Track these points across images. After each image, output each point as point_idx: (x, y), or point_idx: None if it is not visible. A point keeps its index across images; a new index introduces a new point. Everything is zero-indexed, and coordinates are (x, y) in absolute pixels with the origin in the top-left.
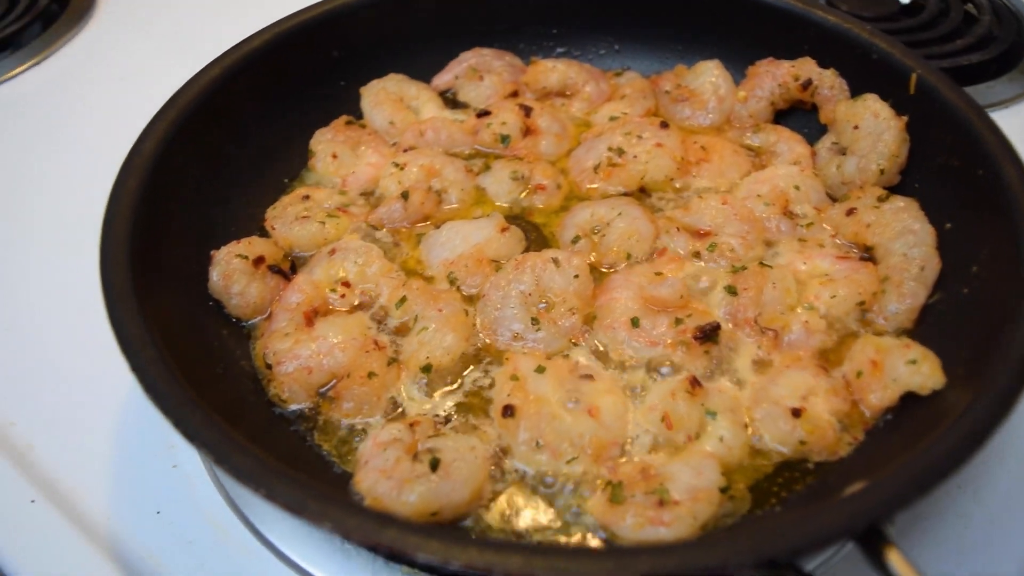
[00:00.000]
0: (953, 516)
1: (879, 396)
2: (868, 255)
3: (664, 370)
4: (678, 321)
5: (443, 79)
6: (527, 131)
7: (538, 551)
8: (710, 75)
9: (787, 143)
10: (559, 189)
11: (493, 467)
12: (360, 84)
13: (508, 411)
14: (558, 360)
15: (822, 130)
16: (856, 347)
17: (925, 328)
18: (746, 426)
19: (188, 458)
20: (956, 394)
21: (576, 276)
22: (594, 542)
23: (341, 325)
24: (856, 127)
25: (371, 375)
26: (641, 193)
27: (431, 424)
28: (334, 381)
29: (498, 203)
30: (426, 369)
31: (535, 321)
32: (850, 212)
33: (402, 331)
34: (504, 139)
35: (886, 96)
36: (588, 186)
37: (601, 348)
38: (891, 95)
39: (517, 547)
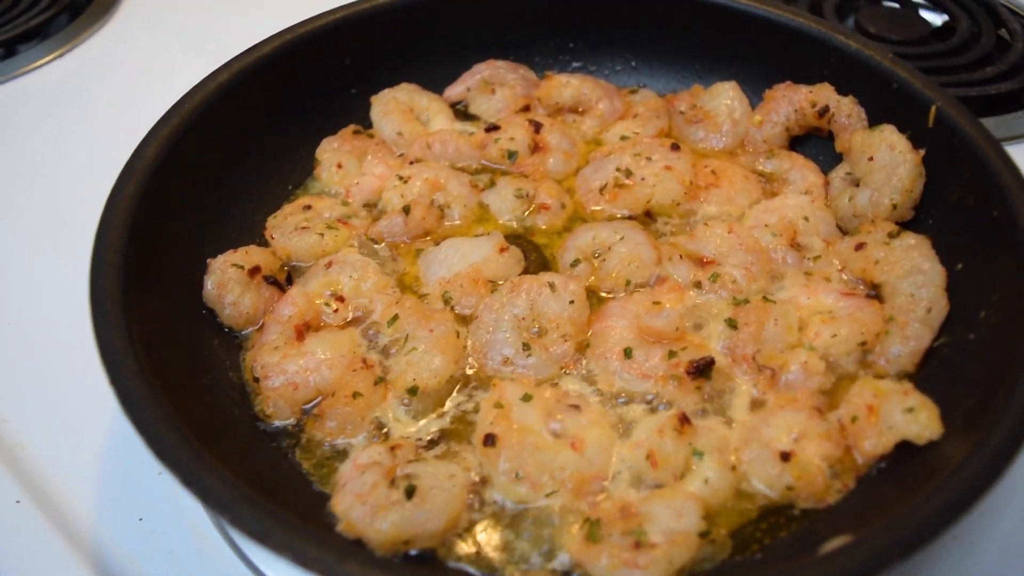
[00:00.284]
0: (946, 570)
1: (873, 443)
2: (875, 293)
3: (654, 404)
4: (672, 354)
5: (455, 90)
6: (536, 147)
7: None
8: (726, 97)
9: (800, 171)
10: (563, 209)
11: (471, 496)
12: (371, 92)
13: (489, 440)
14: (546, 388)
15: (838, 159)
16: (854, 390)
17: (928, 373)
18: (733, 468)
19: None
20: (953, 446)
21: (572, 302)
22: None
23: (331, 341)
24: (871, 158)
25: (356, 395)
26: (647, 217)
27: (413, 448)
28: (319, 398)
29: (501, 221)
30: (412, 391)
31: (526, 346)
32: (859, 247)
33: (392, 349)
34: (511, 155)
35: (905, 127)
36: (592, 208)
37: (592, 377)
38: (910, 126)
39: None
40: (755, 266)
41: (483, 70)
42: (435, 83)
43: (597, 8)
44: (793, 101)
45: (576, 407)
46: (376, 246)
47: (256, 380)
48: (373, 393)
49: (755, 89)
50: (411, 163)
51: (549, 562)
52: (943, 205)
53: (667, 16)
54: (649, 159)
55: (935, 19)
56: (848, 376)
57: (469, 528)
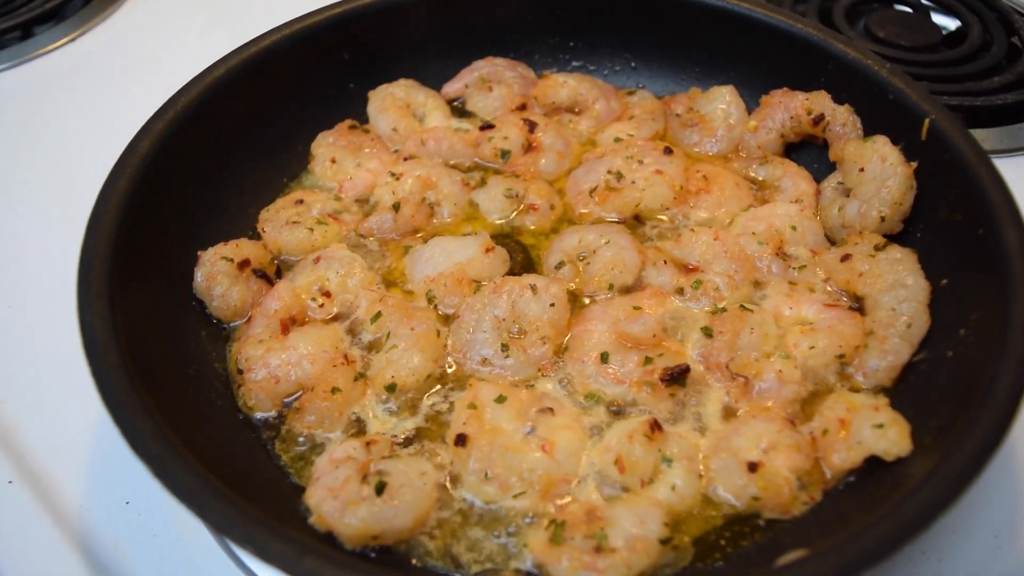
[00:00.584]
0: None
1: (842, 457)
2: (858, 305)
3: (627, 410)
4: (647, 360)
5: (453, 87)
6: (529, 147)
7: None
8: (722, 102)
9: (792, 179)
10: (552, 210)
11: (441, 493)
12: (370, 87)
13: (461, 440)
14: (522, 390)
15: (832, 167)
16: (827, 403)
17: (904, 388)
18: (701, 476)
19: None
20: (920, 464)
21: (552, 305)
22: None
23: (314, 336)
24: (862, 169)
25: (335, 390)
26: (635, 221)
27: (388, 444)
28: (300, 392)
29: (490, 220)
30: (391, 388)
31: (505, 347)
32: (845, 258)
33: (375, 346)
34: (504, 154)
35: (899, 138)
36: (581, 210)
37: (568, 380)
38: (904, 138)
39: None
40: (738, 274)
41: (482, 67)
42: (434, 79)
43: (598, 8)
44: (789, 108)
45: (550, 410)
46: (366, 242)
47: (240, 372)
48: (352, 389)
49: (753, 93)
50: (405, 159)
51: (514, 562)
52: (932, 219)
53: (667, 18)
54: (641, 162)
55: (948, 23)
56: (825, 388)
57: (438, 525)
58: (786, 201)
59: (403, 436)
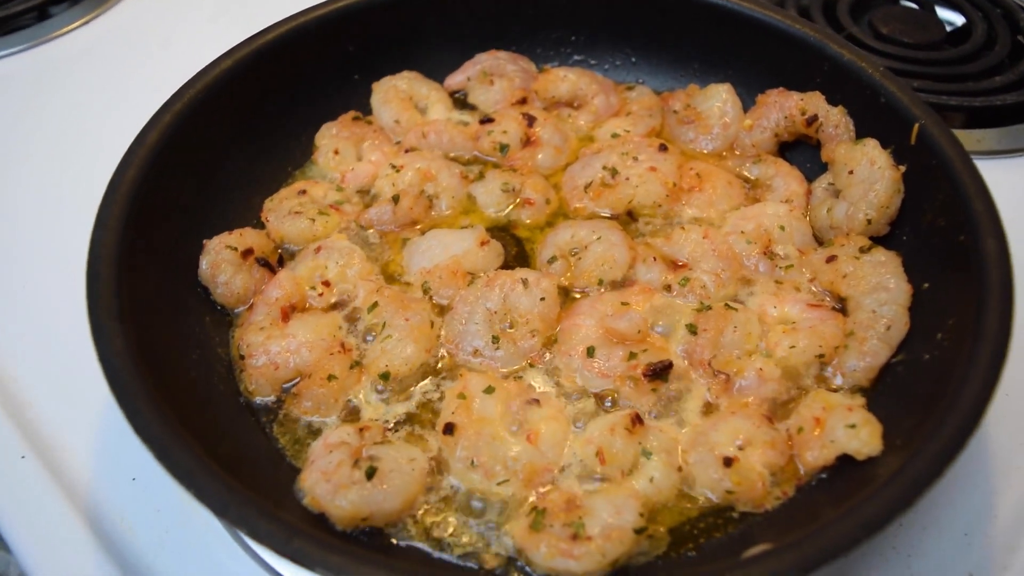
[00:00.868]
0: None
1: (815, 455)
2: (841, 306)
3: (610, 403)
4: (632, 355)
5: (456, 80)
6: (528, 141)
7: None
8: (718, 99)
9: (784, 179)
10: (547, 205)
11: (429, 479)
12: (374, 79)
13: (449, 429)
14: (510, 382)
15: (824, 167)
16: (805, 401)
17: (882, 388)
18: (679, 468)
19: None
20: (889, 464)
21: (542, 299)
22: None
23: (313, 324)
24: (851, 172)
25: (331, 378)
26: (628, 217)
27: (380, 430)
28: (299, 379)
29: (486, 213)
30: (384, 376)
31: (496, 339)
32: (831, 259)
33: (371, 335)
34: (503, 148)
35: (890, 141)
36: (576, 205)
37: (556, 373)
38: (894, 141)
39: (405, 571)
40: (725, 272)
41: (484, 60)
42: (438, 71)
43: (600, 3)
44: (784, 108)
45: (536, 401)
46: (366, 233)
47: (241, 358)
48: (348, 376)
49: (751, 91)
50: (406, 151)
51: (495, 546)
52: (918, 223)
53: (668, 14)
54: (636, 159)
55: (956, 18)
56: (804, 387)
57: (425, 509)
58: (777, 200)
59: (395, 423)
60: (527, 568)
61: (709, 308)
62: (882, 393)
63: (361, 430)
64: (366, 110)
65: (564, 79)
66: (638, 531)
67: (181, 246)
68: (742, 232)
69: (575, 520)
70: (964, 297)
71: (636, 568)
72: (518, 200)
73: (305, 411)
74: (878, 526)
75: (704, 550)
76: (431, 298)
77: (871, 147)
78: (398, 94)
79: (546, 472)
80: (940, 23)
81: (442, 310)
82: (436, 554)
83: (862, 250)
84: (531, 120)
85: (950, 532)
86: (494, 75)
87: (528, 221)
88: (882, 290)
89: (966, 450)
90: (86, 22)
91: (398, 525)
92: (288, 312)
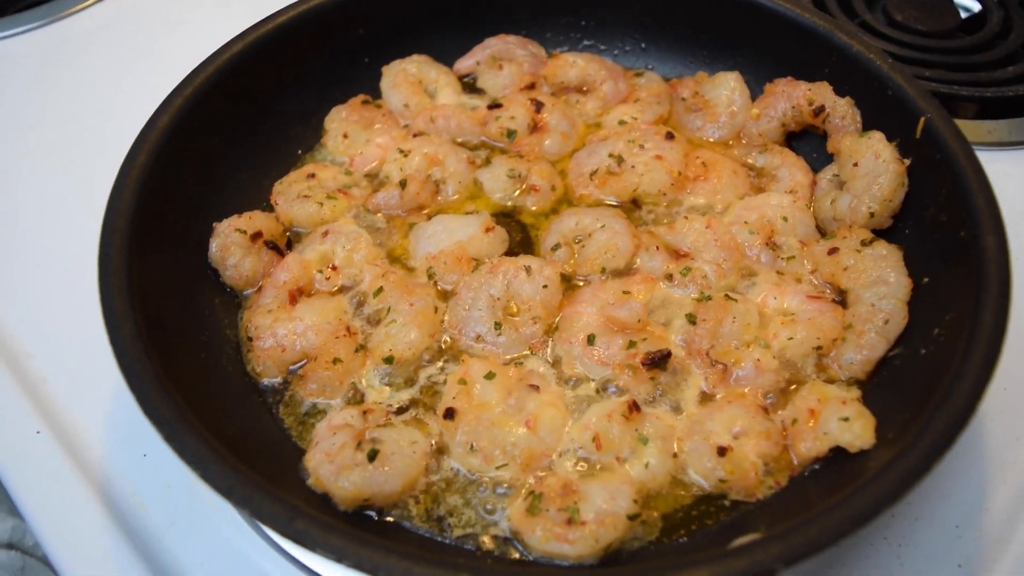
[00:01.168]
0: (871, 567)
1: (808, 446)
2: (841, 298)
3: (610, 390)
4: (631, 344)
5: (465, 64)
6: (535, 127)
7: (422, 560)
8: (726, 88)
9: (789, 169)
10: (553, 192)
11: (430, 461)
12: (384, 62)
13: (449, 413)
14: (510, 368)
15: (831, 158)
16: (801, 393)
17: (878, 381)
18: (675, 456)
19: None
20: (880, 457)
21: (545, 286)
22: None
23: (320, 308)
24: (856, 164)
25: (336, 361)
26: (633, 205)
27: (383, 413)
28: (305, 361)
29: (492, 199)
30: (388, 360)
31: (498, 325)
32: (832, 251)
33: (376, 319)
34: (510, 134)
35: (896, 134)
36: (581, 192)
37: (556, 359)
38: (900, 134)
39: (403, 554)
40: (727, 263)
41: (494, 44)
42: (448, 54)
43: None
44: (792, 97)
45: (536, 387)
46: (373, 217)
47: (249, 340)
48: (353, 360)
49: (759, 80)
50: (414, 136)
51: (492, 528)
52: (921, 217)
53: (679, 1)
54: (642, 147)
55: (972, 4)
56: (801, 378)
57: (425, 490)
58: (781, 191)
59: (397, 406)
60: (523, 550)
61: (709, 298)
62: (878, 386)
63: (365, 412)
64: (376, 93)
65: (573, 64)
66: (631, 517)
67: (192, 228)
68: (745, 222)
69: (570, 505)
70: (962, 293)
71: (629, 553)
72: (524, 186)
73: (310, 393)
74: (864, 520)
75: (696, 537)
76: (436, 283)
77: (876, 140)
78: (407, 78)
79: (544, 457)
80: (955, 10)
81: (446, 295)
82: (436, 535)
83: (864, 243)
84: (539, 106)
85: (941, 524)
86: (503, 60)
87: (533, 208)
88: (882, 284)
89: (960, 443)
90: (98, 0)
91: (399, 506)
92: (296, 295)
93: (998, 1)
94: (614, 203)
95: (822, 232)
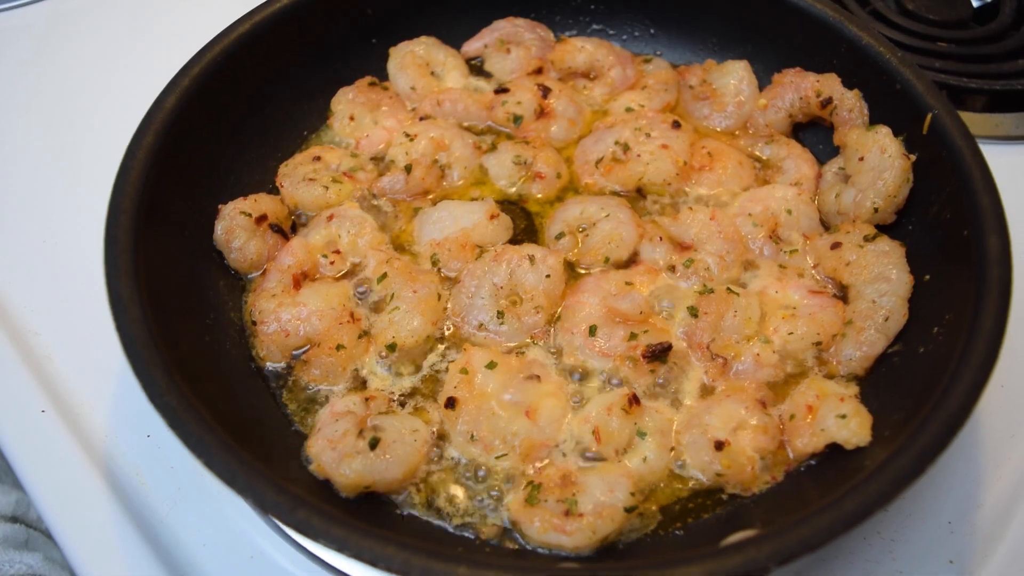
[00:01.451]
0: (863, 561)
1: (805, 442)
2: (842, 293)
3: (610, 381)
4: (633, 336)
5: (473, 46)
6: (542, 112)
7: (420, 551)
8: (734, 76)
9: (795, 161)
10: (558, 179)
11: (430, 450)
12: (392, 43)
13: (451, 403)
14: (512, 357)
15: (837, 150)
16: (799, 388)
17: (876, 378)
18: (673, 449)
19: None
20: (876, 455)
21: (548, 276)
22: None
23: (324, 293)
24: (862, 158)
25: (339, 347)
26: (637, 194)
27: (385, 400)
28: (308, 347)
29: (498, 185)
30: (391, 347)
31: (501, 314)
32: (835, 246)
33: (380, 305)
34: (517, 119)
35: (903, 128)
36: (587, 180)
37: (558, 349)
38: (907, 129)
39: (402, 544)
40: (730, 255)
41: (502, 27)
42: (456, 36)
43: None
44: (800, 88)
45: (537, 377)
46: (379, 202)
47: (254, 324)
48: (356, 346)
49: (768, 69)
50: (421, 119)
51: (492, 517)
52: (925, 214)
53: None
54: (648, 135)
55: None
56: (800, 372)
57: (426, 478)
58: (787, 183)
59: (399, 393)
60: (522, 540)
61: (711, 291)
62: (876, 383)
63: (367, 399)
64: (383, 75)
65: (581, 49)
66: (628, 510)
67: (198, 209)
68: (749, 214)
69: (568, 497)
70: (963, 293)
71: (626, 544)
72: (529, 173)
73: (313, 379)
74: (855, 521)
75: (691, 530)
76: (440, 270)
77: (883, 135)
78: (415, 60)
79: (543, 448)
80: (968, 0)
81: (450, 283)
82: (435, 522)
83: (867, 238)
84: (546, 91)
85: (934, 520)
86: (511, 43)
87: (539, 195)
88: (883, 280)
89: (956, 439)
90: None
91: (400, 493)
92: (300, 280)
93: None
94: (619, 192)
95: (826, 225)
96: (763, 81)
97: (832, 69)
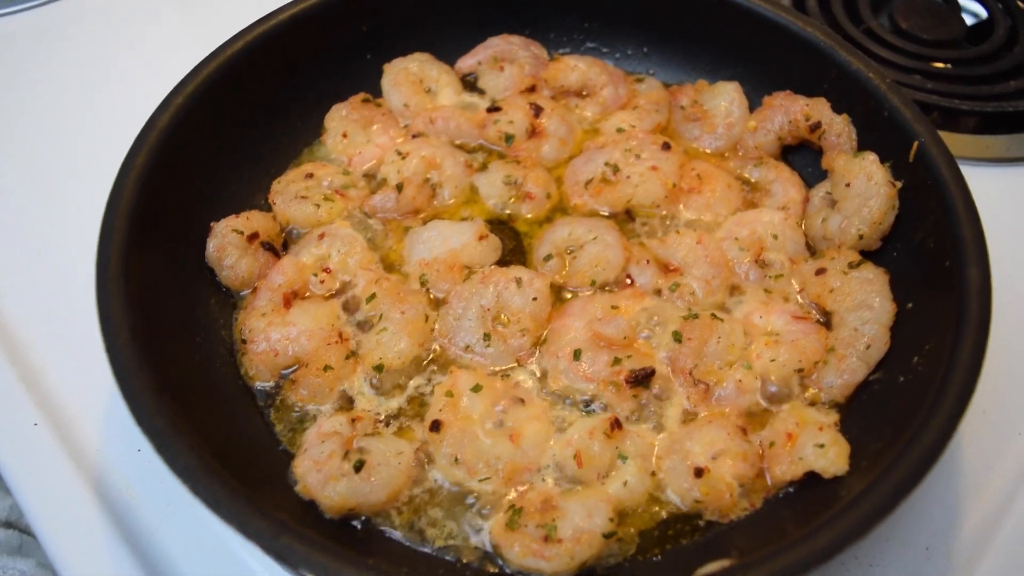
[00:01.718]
0: None
1: (783, 469)
2: (826, 319)
3: (594, 406)
4: (616, 360)
5: (467, 63)
6: (533, 131)
7: None
8: (725, 98)
9: (783, 184)
10: (548, 199)
11: (414, 472)
12: (386, 59)
13: (435, 426)
14: (497, 380)
15: (825, 174)
16: (780, 415)
17: (856, 406)
18: (653, 474)
19: None
20: (853, 485)
21: (535, 299)
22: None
23: (313, 312)
24: (848, 184)
25: (327, 368)
26: (626, 215)
27: (371, 422)
28: (296, 366)
29: (488, 204)
30: (378, 368)
31: (487, 336)
32: (820, 272)
33: (368, 325)
34: (508, 138)
35: (890, 154)
36: (576, 201)
37: (543, 373)
38: (894, 156)
39: (384, 572)
40: (716, 280)
41: (496, 44)
42: (450, 52)
43: None
44: (789, 112)
45: (521, 400)
46: (370, 221)
47: (243, 342)
48: (343, 367)
49: (759, 91)
50: (413, 136)
51: (473, 540)
52: (909, 241)
53: (683, 7)
54: (638, 156)
55: (980, 9)
56: (782, 399)
57: (409, 501)
58: (774, 206)
59: (385, 414)
60: (502, 563)
61: (696, 316)
62: (856, 410)
63: (353, 420)
64: (376, 91)
65: (574, 68)
66: (607, 536)
67: (190, 225)
68: (736, 238)
69: (548, 522)
70: (943, 324)
71: (604, 568)
72: (519, 193)
73: (301, 399)
74: (829, 555)
75: (669, 555)
76: (428, 291)
77: (870, 162)
78: (408, 77)
79: (526, 471)
80: (961, 19)
81: (438, 303)
82: (418, 545)
83: (851, 265)
84: (538, 110)
85: (912, 545)
86: (504, 61)
87: (528, 215)
88: (866, 308)
89: (937, 465)
90: None
91: (384, 515)
92: (290, 298)
93: (1005, 9)
94: (608, 214)
95: (812, 250)
96: (754, 103)
97: (822, 93)
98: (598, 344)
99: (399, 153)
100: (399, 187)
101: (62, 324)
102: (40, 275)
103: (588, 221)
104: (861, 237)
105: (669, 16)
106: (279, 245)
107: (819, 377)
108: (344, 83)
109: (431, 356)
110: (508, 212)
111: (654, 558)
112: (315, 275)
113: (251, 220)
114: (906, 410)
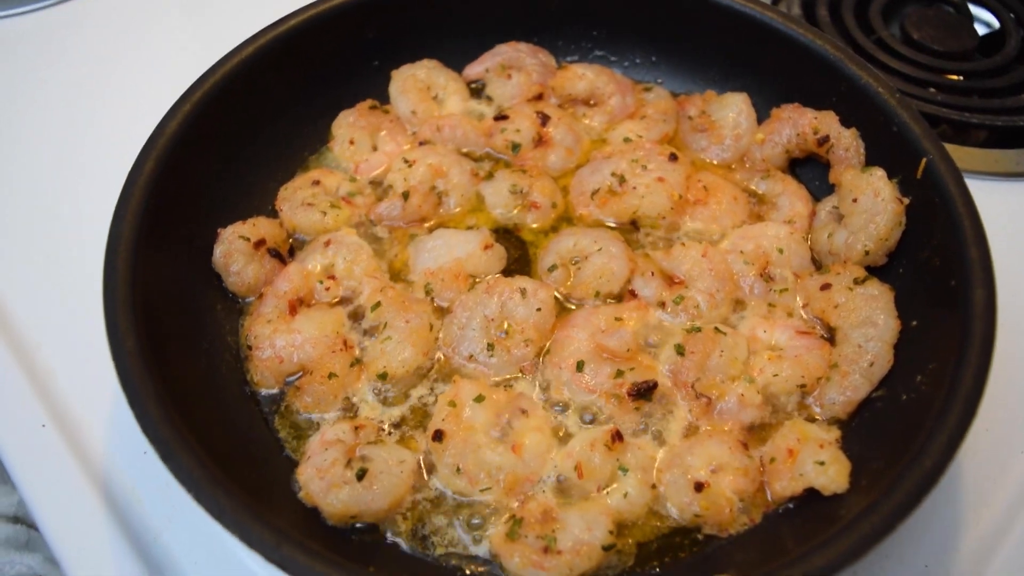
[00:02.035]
0: None
1: (783, 485)
2: (830, 335)
3: (595, 417)
4: (619, 373)
5: (474, 70)
6: (540, 140)
7: None
8: (733, 109)
9: (789, 198)
10: (553, 209)
11: (416, 480)
12: (393, 66)
13: (438, 435)
14: (500, 390)
15: (832, 188)
16: (781, 431)
17: (858, 423)
18: (653, 487)
19: None
20: (853, 502)
21: (539, 309)
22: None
23: (319, 320)
24: (855, 200)
25: (331, 376)
26: (631, 226)
27: (375, 430)
28: (301, 373)
29: (494, 213)
30: (382, 376)
31: (491, 346)
32: (825, 287)
33: (372, 332)
34: (515, 147)
35: (898, 171)
36: (581, 211)
37: (545, 383)
38: (902, 171)
39: None
40: (720, 293)
41: (504, 51)
42: (458, 59)
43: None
44: (797, 124)
45: (524, 411)
46: (375, 229)
47: (249, 349)
48: (348, 374)
49: (768, 102)
50: (420, 144)
51: (474, 549)
52: (916, 258)
53: (692, 17)
54: (645, 167)
55: (992, 19)
56: (785, 414)
57: (411, 508)
58: (781, 219)
59: (388, 422)
60: (502, 574)
61: (699, 330)
62: (858, 428)
63: (356, 428)
64: (384, 98)
65: (582, 77)
66: (606, 548)
67: (197, 232)
68: (741, 252)
69: (548, 533)
70: (947, 344)
71: None
72: (525, 202)
73: (305, 406)
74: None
75: (668, 568)
76: (433, 299)
77: (877, 177)
78: (416, 83)
79: (527, 482)
80: (973, 30)
81: (443, 312)
82: (419, 553)
83: (856, 281)
84: (545, 119)
85: (911, 562)
86: (512, 68)
87: (534, 225)
88: (870, 325)
89: (938, 483)
90: None
91: (386, 522)
92: (296, 305)
93: (1017, 21)
94: (613, 225)
95: (818, 264)
96: (762, 114)
97: (831, 106)
98: (601, 356)
99: (406, 161)
100: (405, 195)
101: (70, 327)
102: (49, 278)
103: (593, 232)
104: (867, 253)
105: (678, 25)
106: (286, 252)
107: (821, 393)
108: (350, 90)
109: (434, 365)
110: (514, 221)
111: (653, 571)
112: (321, 282)
113: (258, 226)
114: (908, 429)
